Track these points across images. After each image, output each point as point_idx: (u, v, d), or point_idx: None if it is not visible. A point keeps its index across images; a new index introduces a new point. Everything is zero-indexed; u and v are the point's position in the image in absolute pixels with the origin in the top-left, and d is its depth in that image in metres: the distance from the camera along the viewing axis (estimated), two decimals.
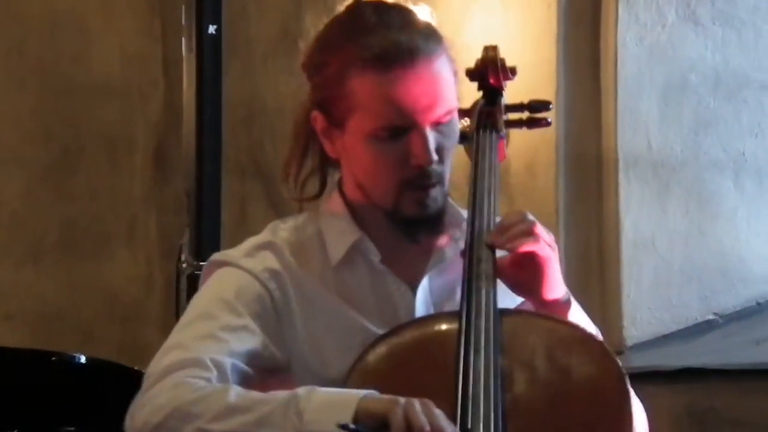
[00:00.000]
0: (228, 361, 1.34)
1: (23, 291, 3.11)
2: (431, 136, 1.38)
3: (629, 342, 2.37)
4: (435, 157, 1.38)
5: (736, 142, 2.49)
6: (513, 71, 1.53)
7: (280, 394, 1.29)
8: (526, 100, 1.56)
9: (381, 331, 1.38)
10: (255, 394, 1.31)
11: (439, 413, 1.24)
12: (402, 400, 1.24)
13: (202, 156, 2.86)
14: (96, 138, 3.17)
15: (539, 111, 1.56)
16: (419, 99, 1.37)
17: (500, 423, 1.26)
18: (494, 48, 1.53)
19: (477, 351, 1.30)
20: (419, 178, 1.38)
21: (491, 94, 1.53)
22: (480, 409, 1.26)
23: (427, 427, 1.21)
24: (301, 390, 1.29)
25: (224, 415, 1.28)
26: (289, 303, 1.40)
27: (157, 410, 1.30)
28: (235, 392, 1.31)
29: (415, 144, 1.37)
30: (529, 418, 1.29)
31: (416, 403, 1.24)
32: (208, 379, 1.32)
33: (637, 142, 2.44)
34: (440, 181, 1.40)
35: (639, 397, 1.39)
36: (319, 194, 1.46)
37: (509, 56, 2.70)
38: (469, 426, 1.25)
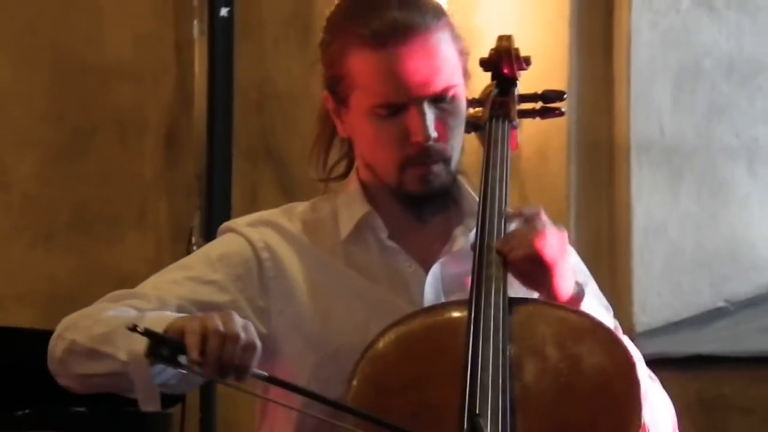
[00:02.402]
0: (175, 302, 1.37)
1: (35, 272, 3.12)
2: (430, 113, 1.38)
3: (639, 328, 2.36)
4: (433, 134, 1.38)
5: (749, 128, 2.47)
6: (527, 61, 1.52)
7: (138, 314, 1.33)
8: (539, 89, 1.55)
9: (395, 303, 1.39)
10: (132, 312, 1.34)
11: (240, 321, 1.26)
12: (204, 314, 1.27)
13: (213, 139, 2.87)
14: (108, 120, 3.17)
15: (553, 101, 1.55)
16: (414, 75, 1.37)
17: (508, 411, 1.27)
18: (508, 38, 1.52)
19: (486, 339, 1.30)
20: (420, 155, 1.39)
21: (505, 83, 1.52)
22: (488, 397, 1.27)
23: (221, 328, 1.23)
24: (151, 312, 1.33)
25: (90, 327, 1.33)
26: (285, 278, 1.41)
27: (64, 322, 1.37)
28: (117, 311, 1.34)
29: (412, 120, 1.38)
30: (538, 406, 1.29)
31: (216, 313, 1.26)
32: (141, 309, 1.35)
33: (650, 128, 2.43)
34: (443, 158, 1.40)
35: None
36: (344, 175, 1.47)
37: (522, 41, 2.68)
38: (477, 413, 1.25)
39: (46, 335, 2.61)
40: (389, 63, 1.37)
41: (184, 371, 1.25)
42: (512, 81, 1.51)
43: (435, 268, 1.41)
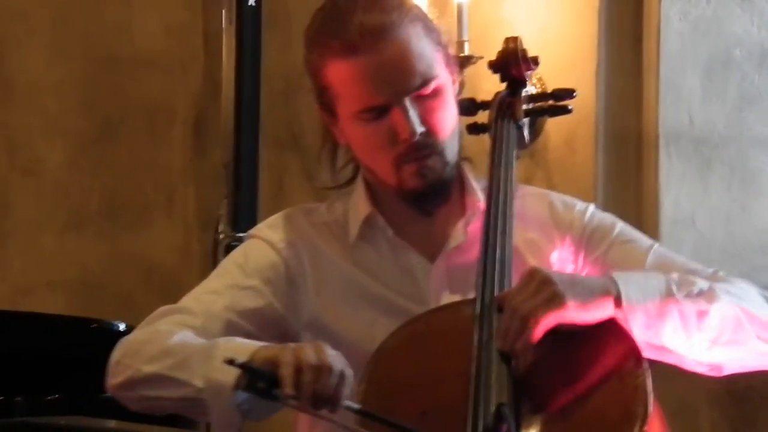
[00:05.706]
0: (222, 314, 1.39)
1: (65, 259, 3.15)
2: (413, 109, 1.40)
3: None
4: (419, 129, 1.40)
5: None
6: (535, 61, 1.53)
7: (208, 342, 1.34)
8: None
9: (401, 301, 1.42)
10: (196, 340, 1.35)
11: (332, 353, 1.27)
12: (294, 345, 1.29)
13: (241, 128, 2.88)
14: (137, 109, 3.20)
15: (563, 99, 1.55)
16: (389, 74, 1.39)
17: (512, 403, 1.28)
18: (515, 39, 1.53)
19: (490, 337, 1.31)
20: (410, 151, 1.41)
21: (513, 85, 1.53)
22: (491, 393, 1.27)
23: (315, 361, 1.25)
24: (222, 339, 1.34)
25: (157, 358, 1.34)
26: (304, 273, 1.45)
27: (121, 348, 1.38)
28: (181, 336, 1.35)
29: (396, 119, 1.40)
30: (544, 399, 1.30)
31: (307, 345, 1.28)
32: (192, 325, 1.37)
33: (679, 118, 2.41)
34: (435, 151, 1.42)
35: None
36: (353, 178, 1.50)
37: (550, 31, 2.66)
38: (482, 406, 1.27)
39: (75, 322, 2.64)
40: (363, 68, 1.39)
41: (278, 404, 1.26)
42: (520, 82, 1.52)
43: (440, 262, 1.44)
